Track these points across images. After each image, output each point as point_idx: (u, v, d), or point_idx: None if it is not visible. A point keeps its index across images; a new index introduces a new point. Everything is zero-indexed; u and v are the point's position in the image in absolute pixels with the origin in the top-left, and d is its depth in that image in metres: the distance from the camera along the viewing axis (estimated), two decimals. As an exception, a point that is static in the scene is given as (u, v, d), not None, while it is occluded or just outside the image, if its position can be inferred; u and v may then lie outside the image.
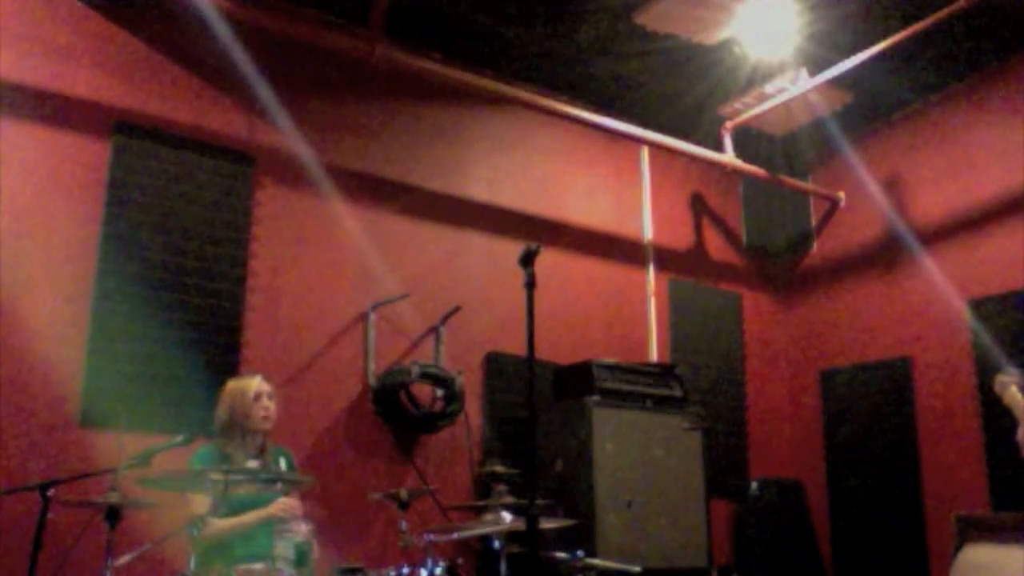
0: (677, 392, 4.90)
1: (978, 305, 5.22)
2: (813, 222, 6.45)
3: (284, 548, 2.96)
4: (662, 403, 4.78)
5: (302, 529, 3.13)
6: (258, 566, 3.20)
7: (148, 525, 3.50)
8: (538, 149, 5.54)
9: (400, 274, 4.75)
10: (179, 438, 3.32)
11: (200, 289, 4.15)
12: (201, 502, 3.41)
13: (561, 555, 3.58)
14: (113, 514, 2.80)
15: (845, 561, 5.74)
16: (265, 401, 3.54)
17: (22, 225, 3.81)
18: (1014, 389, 3.02)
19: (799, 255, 6.51)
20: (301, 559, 3.01)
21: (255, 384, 3.56)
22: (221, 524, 3.28)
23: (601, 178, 5.81)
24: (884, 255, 5.90)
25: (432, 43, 5.04)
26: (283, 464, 3.59)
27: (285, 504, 3.24)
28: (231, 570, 3.07)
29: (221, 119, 4.42)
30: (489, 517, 3.32)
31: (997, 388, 3.09)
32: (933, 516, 5.28)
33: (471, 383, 4.84)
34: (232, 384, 3.60)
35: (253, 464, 3.44)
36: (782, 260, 6.58)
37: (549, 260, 4.94)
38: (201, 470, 3.05)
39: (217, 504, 2.89)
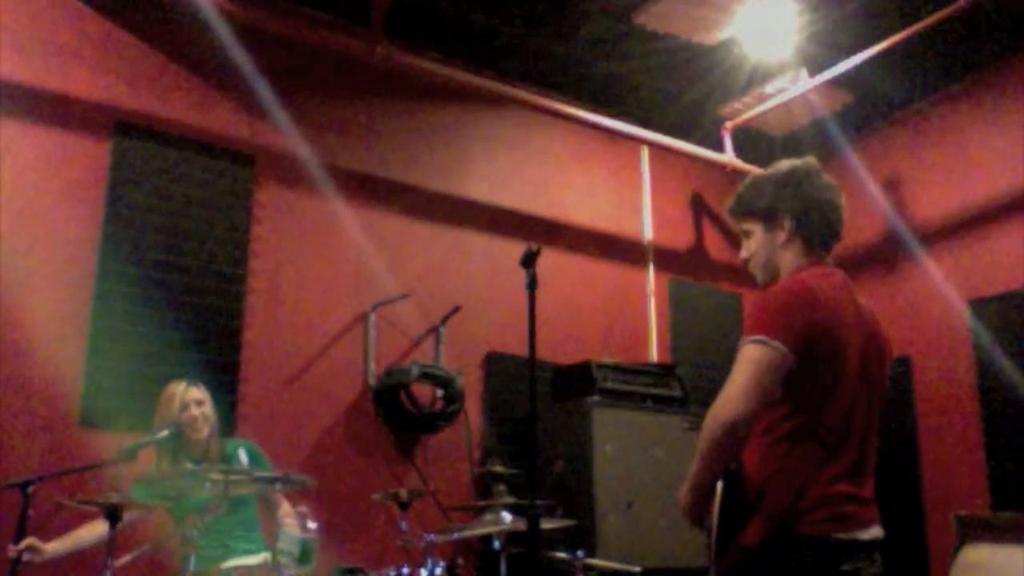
0: (677, 392, 4.89)
1: (978, 305, 5.22)
2: (813, 222, 6.42)
3: (287, 542, 2.94)
4: (662, 403, 4.77)
5: (308, 526, 3.13)
6: (255, 560, 3.20)
7: (148, 525, 3.51)
8: (538, 149, 5.53)
9: (400, 274, 4.75)
10: (164, 432, 3.30)
11: (200, 289, 4.15)
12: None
13: (561, 555, 3.58)
14: (113, 514, 2.80)
15: (845, 561, 5.73)
16: (193, 410, 3.38)
17: (22, 225, 3.80)
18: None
19: (799, 255, 6.49)
20: (305, 556, 3.00)
21: (179, 392, 3.40)
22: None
23: (601, 178, 5.81)
24: (884, 255, 5.89)
25: (432, 43, 5.03)
26: (243, 456, 3.48)
27: None
28: (229, 569, 3.07)
29: (221, 119, 4.42)
30: (489, 517, 3.32)
31: None
32: (933, 516, 5.27)
33: (471, 383, 4.84)
34: (164, 391, 3.45)
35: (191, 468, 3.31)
36: (782, 260, 6.56)
37: (549, 260, 4.88)
38: (200, 469, 3.05)
39: (218, 502, 2.89)
